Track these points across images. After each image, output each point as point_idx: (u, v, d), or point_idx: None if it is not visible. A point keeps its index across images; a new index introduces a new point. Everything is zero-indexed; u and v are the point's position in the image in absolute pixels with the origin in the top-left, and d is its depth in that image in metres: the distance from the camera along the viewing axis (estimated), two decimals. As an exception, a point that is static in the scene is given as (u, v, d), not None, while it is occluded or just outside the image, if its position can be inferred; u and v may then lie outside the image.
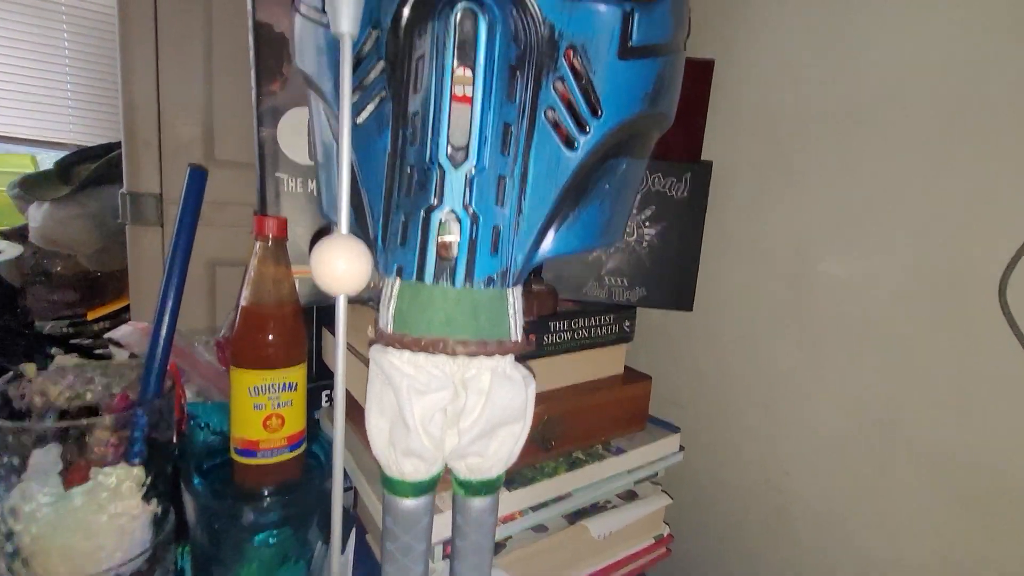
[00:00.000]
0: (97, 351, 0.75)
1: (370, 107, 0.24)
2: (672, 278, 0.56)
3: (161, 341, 0.40)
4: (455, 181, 0.23)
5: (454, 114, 0.23)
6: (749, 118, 0.53)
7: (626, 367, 0.56)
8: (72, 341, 0.85)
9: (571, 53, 0.24)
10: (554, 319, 0.46)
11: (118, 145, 0.66)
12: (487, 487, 0.30)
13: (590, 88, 0.24)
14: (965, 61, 0.38)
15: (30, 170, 1.23)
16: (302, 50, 0.28)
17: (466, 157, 0.23)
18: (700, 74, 0.55)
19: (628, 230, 0.54)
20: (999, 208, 0.36)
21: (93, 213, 0.97)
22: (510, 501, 0.41)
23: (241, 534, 0.37)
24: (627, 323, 0.54)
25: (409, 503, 0.28)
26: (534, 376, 0.29)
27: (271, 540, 0.38)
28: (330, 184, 0.28)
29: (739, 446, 0.56)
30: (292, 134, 0.44)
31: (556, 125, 0.24)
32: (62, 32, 1.31)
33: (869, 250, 0.44)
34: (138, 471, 0.33)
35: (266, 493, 0.39)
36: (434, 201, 0.23)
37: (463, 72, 0.22)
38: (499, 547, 0.41)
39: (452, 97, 0.22)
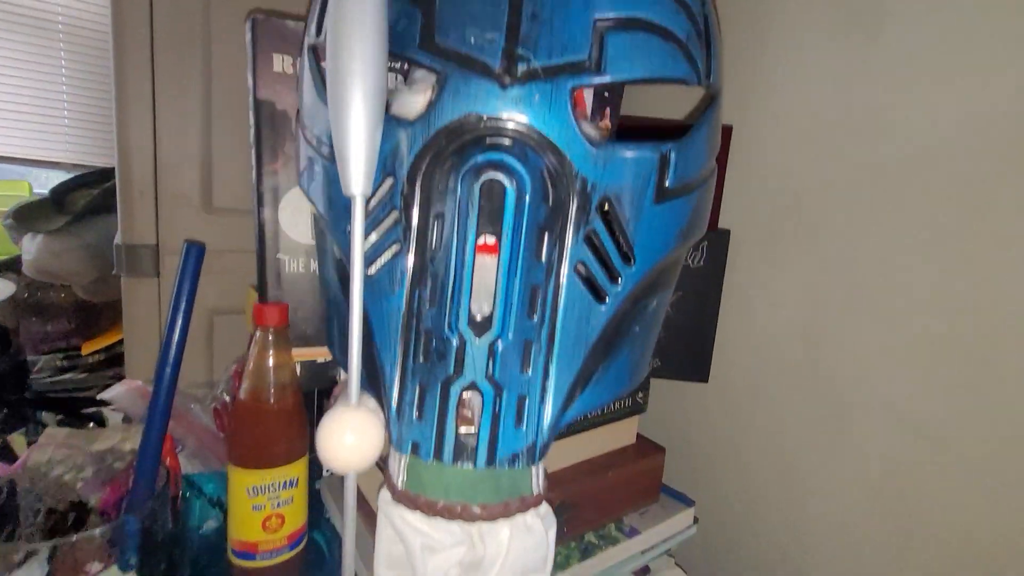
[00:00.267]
0: (90, 408, 0.72)
1: (383, 258, 0.22)
2: (688, 349, 0.54)
3: (153, 442, 0.38)
4: (477, 352, 0.21)
5: (477, 277, 0.20)
6: (766, 184, 0.51)
7: (639, 436, 0.54)
8: (61, 392, 0.83)
9: (604, 204, 0.21)
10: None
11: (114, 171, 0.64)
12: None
13: (623, 237, 0.22)
14: (988, 129, 0.36)
15: (25, 195, 1.20)
16: (308, 176, 0.25)
17: (490, 326, 0.21)
18: (720, 139, 0.53)
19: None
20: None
21: (89, 244, 0.95)
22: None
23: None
24: (640, 395, 0.52)
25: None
26: (553, 511, 0.27)
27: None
28: (340, 326, 0.26)
29: (755, 519, 0.54)
30: (294, 213, 0.42)
31: (586, 279, 0.22)
32: (59, 51, 1.29)
33: (890, 321, 0.42)
34: (130, 578, 0.31)
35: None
36: (453, 372, 0.21)
37: (486, 239, 0.20)
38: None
39: (475, 258, 0.20)
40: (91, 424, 0.65)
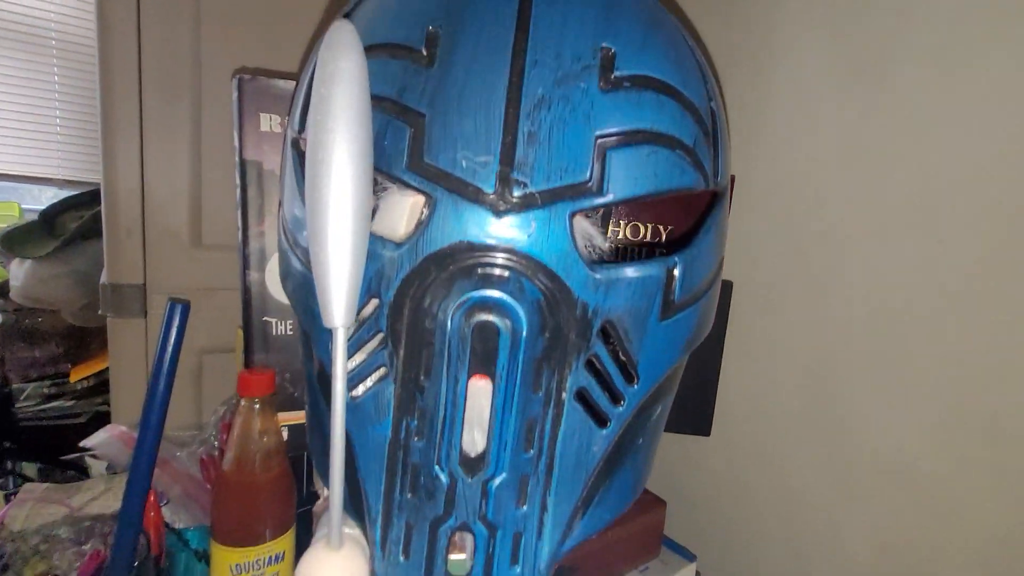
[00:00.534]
0: (72, 455, 0.70)
1: (369, 382, 0.20)
2: (690, 402, 0.52)
3: (134, 511, 0.37)
4: (469, 492, 0.19)
5: (468, 403, 0.19)
6: (770, 233, 0.50)
7: (638, 491, 0.53)
8: (47, 421, 0.81)
9: (606, 327, 0.20)
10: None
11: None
12: None
13: (626, 358, 0.21)
14: (996, 175, 0.35)
15: (15, 216, 1.18)
16: (287, 273, 0.24)
17: (483, 464, 0.19)
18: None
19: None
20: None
21: (78, 270, 0.93)
22: None
23: None
24: (641, 450, 0.51)
25: None
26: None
27: None
28: (323, 438, 0.24)
29: (759, 574, 0.52)
30: (280, 271, 0.40)
31: (587, 405, 0.21)
32: (52, 66, 1.27)
33: (897, 375, 0.41)
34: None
35: None
36: (443, 513, 0.19)
37: (479, 379, 0.19)
38: None
39: (466, 394, 0.19)
40: (72, 472, 0.63)
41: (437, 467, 0.19)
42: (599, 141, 0.19)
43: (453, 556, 0.21)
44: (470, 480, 0.19)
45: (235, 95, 0.38)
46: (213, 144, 0.60)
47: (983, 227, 0.36)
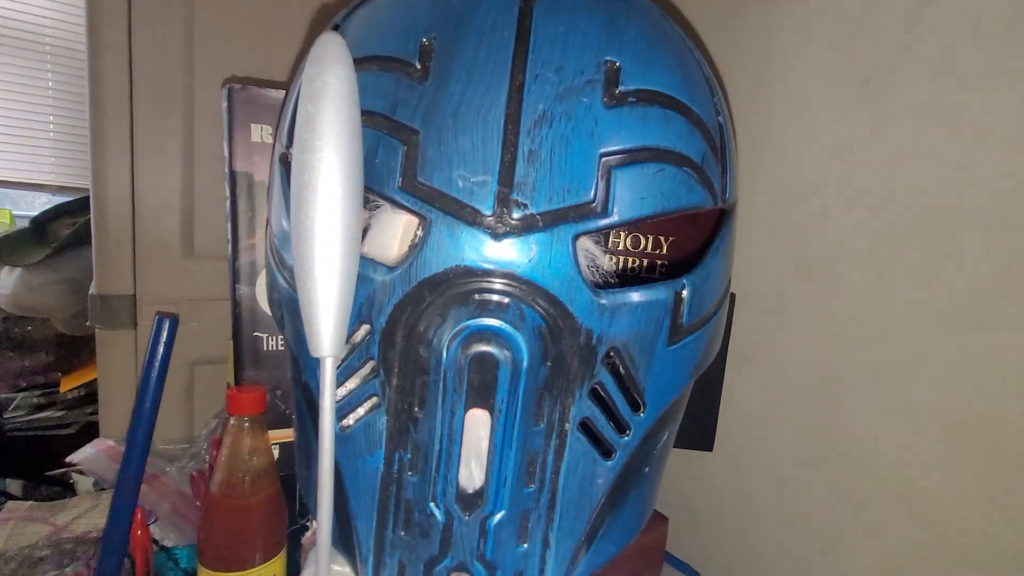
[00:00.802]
0: (58, 470, 0.69)
1: (359, 412, 0.19)
2: (692, 417, 0.51)
3: (118, 535, 0.36)
4: (466, 530, 0.18)
5: (466, 445, 0.18)
6: (772, 249, 0.49)
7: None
8: (36, 431, 0.80)
9: (611, 354, 0.19)
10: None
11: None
12: None
13: (632, 385, 0.20)
14: (1000, 197, 0.34)
15: (6, 223, 1.17)
16: (273, 294, 0.23)
17: (481, 501, 0.18)
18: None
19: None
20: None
21: (69, 278, 0.92)
22: None
23: None
24: (642, 466, 0.50)
25: None
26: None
27: None
28: (312, 466, 0.23)
29: None
30: (266, 287, 0.39)
31: (591, 435, 0.20)
32: (46, 71, 1.26)
33: (903, 394, 0.40)
34: None
35: None
36: (438, 553, 0.18)
37: (477, 411, 0.17)
38: None
39: (463, 427, 0.18)
40: (57, 488, 0.62)
41: (432, 504, 0.18)
42: (603, 159, 0.18)
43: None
44: (467, 518, 0.18)
45: (225, 105, 0.37)
46: (205, 153, 0.59)
47: (989, 241, 0.35)
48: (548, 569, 0.19)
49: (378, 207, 0.22)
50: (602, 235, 0.25)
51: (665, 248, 0.46)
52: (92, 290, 0.60)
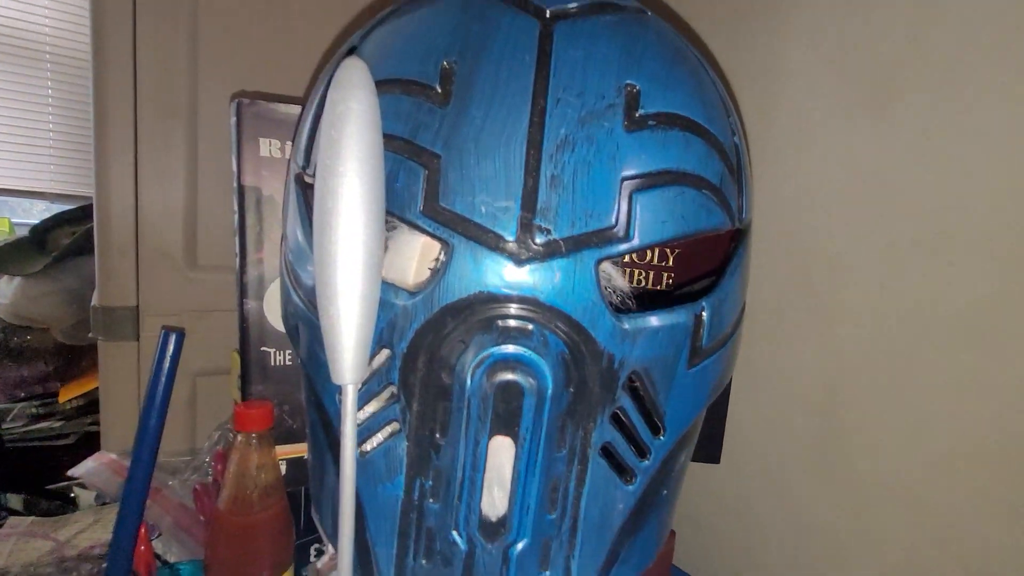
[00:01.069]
0: (60, 483, 0.68)
1: (379, 437, 0.19)
2: (699, 430, 0.51)
3: (124, 555, 0.36)
4: (489, 558, 0.18)
5: (489, 472, 0.18)
6: (776, 260, 0.49)
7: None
8: (34, 442, 0.79)
9: (632, 378, 0.19)
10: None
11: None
12: None
13: (653, 409, 0.20)
14: (1004, 204, 0.34)
15: (5, 231, 1.17)
16: (289, 315, 0.22)
17: (503, 529, 0.18)
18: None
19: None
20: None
21: (69, 288, 0.92)
22: None
23: None
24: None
25: None
26: None
27: None
28: (328, 491, 0.22)
29: None
30: (280, 303, 0.39)
31: (612, 459, 0.19)
32: (46, 79, 1.25)
33: (909, 404, 0.40)
34: None
35: None
36: None
37: (500, 438, 0.17)
38: None
39: (487, 455, 0.17)
40: (58, 503, 0.61)
41: (454, 532, 0.18)
42: (624, 183, 0.18)
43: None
44: (490, 546, 0.18)
45: (233, 120, 0.37)
46: (208, 164, 0.59)
47: (994, 251, 0.35)
48: (569, 595, 0.19)
49: (395, 228, 0.22)
50: (619, 255, 0.25)
51: (671, 260, 0.46)
52: (94, 301, 0.59)
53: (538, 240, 0.17)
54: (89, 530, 0.52)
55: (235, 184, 0.37)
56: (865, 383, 0.43)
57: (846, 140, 0.44)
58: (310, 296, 0.21)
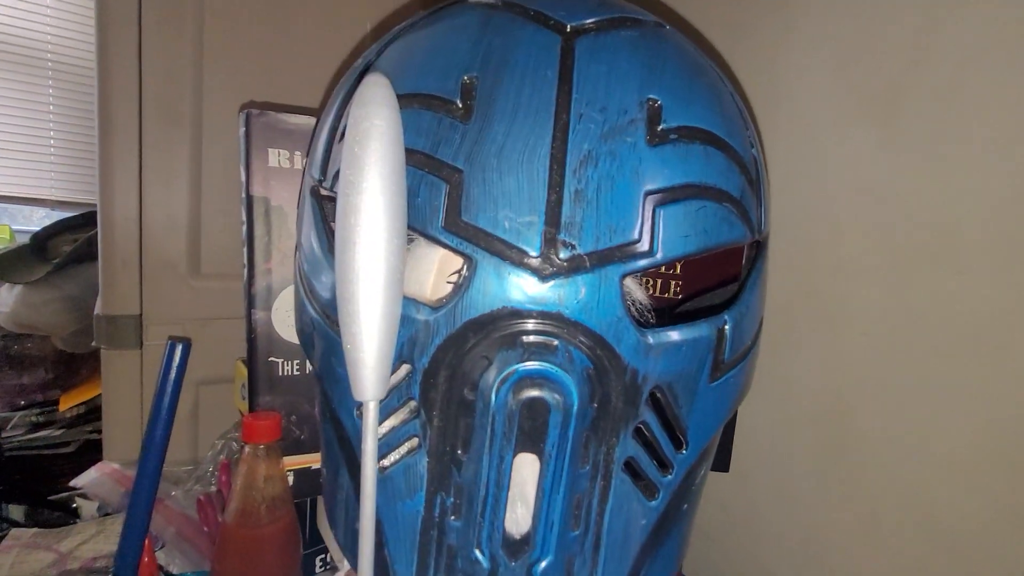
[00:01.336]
0: (62, 494, 0.68)
1: (399, 452, 0.19)
2: (707, 438, 0.51)
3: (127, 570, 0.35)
4: None
5: (513, 488, 0.17)
6: (781, 267, 0.49)
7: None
8: (34, 450, 0.78)
9: (655, 393, 0.19)
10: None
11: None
12: None
13: (676, 423, 0.19)
14: (1015, 210, 0.34)
15: (6, 239, 1.16)
16: (304, 327, 0.22)
17: (528, 548, 0.18)
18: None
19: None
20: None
21: (69, 295, 0.91)
22: None
23: None
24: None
25: None
26: None
27: None
28: (345, 508, 0.22)
29: None
30: (289, 313, 0.38)
31: (635, 475, 0.19)
32: (47, 86, 1.25)
33: (920, 413, 0.40)
34: None
35: None
36: None
37: (525, 455, 0.17)
38: None
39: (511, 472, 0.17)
40: (61, 514, 0.61)
41: (477, 550, 0.18)
42: (648, 198, 0.18)
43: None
44: (513, 564, 0.18)
45: (242, 130, 0.36)
46: (212, 172, 0.59)
47: (1003, 258, 0.35)
48: (592, 612, 0.19)
49: (412, 240, 0.22)
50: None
51: (679, 268, 0.46)
52: (97, 310, 0.59)
53: (562, 255, 0.17)
54: (92, 541, 0.52)
55: (244, 194, 0.37)
56: (873, 391, 0.42)
57: (853, 148, 0.44)
58: (326, 309, 0.21)
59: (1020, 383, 0.34)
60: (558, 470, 0.17)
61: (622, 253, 0.17)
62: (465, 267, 0.18)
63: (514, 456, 0.17)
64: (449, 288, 0.21)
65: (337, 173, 0.20)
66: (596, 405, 0.18)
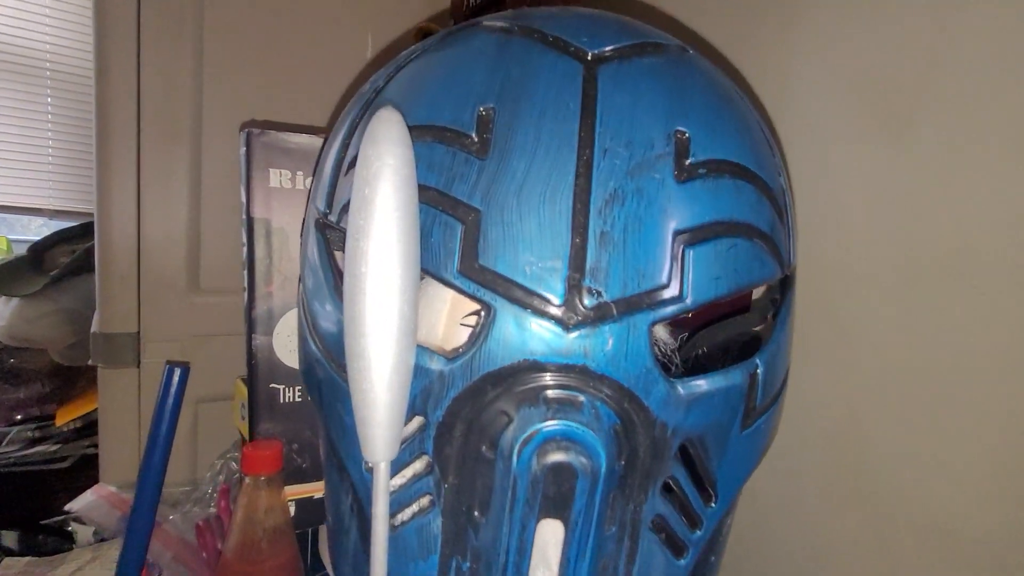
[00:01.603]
0: (56, 517, 0.66)
1: (410, 511, 0.18)
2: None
3: None
4: None
5: (535, 557, 0.16)
6: (796, 283, 0.48)
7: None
8: (30, 466, 0.77)
9: (685, 447, 0.17)
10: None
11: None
12: None
13: (705, 476, 0.18)
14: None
15: (3, 250, 1.15)
16: (308, 370, 0.21)
17: None
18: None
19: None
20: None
21: (66, 308, 0.90)
22: None
23: None
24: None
25: None
26: None
27: None
28: (352, 559, 0.21)
29: None
30: (291, 338, 0.37)
31: (663, 533, 0.18)
32: (45, 96, 1.25)
33: (934, 430, 0.39)
34: None
35: None
36: None
37: (548, 521, 0.16)
38: None
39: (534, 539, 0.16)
40: (56, 539, 0.59)
41: (494, 619, 0.17)
42: (677, 238, 0.17)
43: None
44: (535, 634, 0.17)
45: (243, 150, 0.35)
46: (211, 188, 0.58)
47: (1018, 273, 0.34)
48: None
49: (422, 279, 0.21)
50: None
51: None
52: (94, 327, 0.58)
53: (587, 303, 0.16)
54: (87, 568, 0.50)
55: (244, 216, 0.36)
56: (887, 408, 0.41)
57: (865, 163, 0.43)
58: (331, 351, 0.20)
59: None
60: (584, 535, 0.16)
61: (651, 299, 0.16)
62: (482, 315, 0.16)
63: (537, 523, 0.16)
64: (462, 331, 0.20)
65: (344, 206, 0.19)
66: (623, 462, 0.16)
